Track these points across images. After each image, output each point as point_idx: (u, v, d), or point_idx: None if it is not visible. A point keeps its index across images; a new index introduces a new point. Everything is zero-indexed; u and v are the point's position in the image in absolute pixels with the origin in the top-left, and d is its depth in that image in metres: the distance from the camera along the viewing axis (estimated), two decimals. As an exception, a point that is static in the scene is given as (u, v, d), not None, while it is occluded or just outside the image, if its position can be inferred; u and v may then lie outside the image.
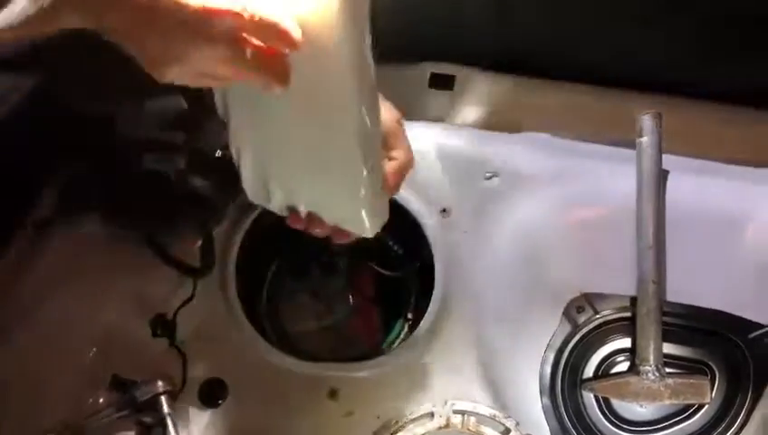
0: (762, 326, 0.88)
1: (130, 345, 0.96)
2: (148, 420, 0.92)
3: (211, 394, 0.98)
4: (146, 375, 0.93)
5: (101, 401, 0.94)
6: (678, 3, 0.94)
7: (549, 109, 1.01)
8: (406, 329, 1.04)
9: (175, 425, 0.92)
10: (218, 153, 0.81)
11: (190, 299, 0.96)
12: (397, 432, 0.93)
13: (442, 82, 1.03)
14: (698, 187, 0.92)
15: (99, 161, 0.77)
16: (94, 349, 0.94)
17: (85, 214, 0.92)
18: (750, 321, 0.88)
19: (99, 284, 0.95)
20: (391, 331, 1.05)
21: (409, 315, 1.04)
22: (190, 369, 0.97)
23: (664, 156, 0.90)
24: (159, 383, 0.92)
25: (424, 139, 0.96)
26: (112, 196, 0.88)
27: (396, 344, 1.01)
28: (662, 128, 0.88)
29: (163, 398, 0.92)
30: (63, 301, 0.93)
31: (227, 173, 0.82)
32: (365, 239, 1.06)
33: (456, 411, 0.93)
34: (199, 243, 0.93)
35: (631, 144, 0.92)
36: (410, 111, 0.98)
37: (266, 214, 0.97)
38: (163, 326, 0.97)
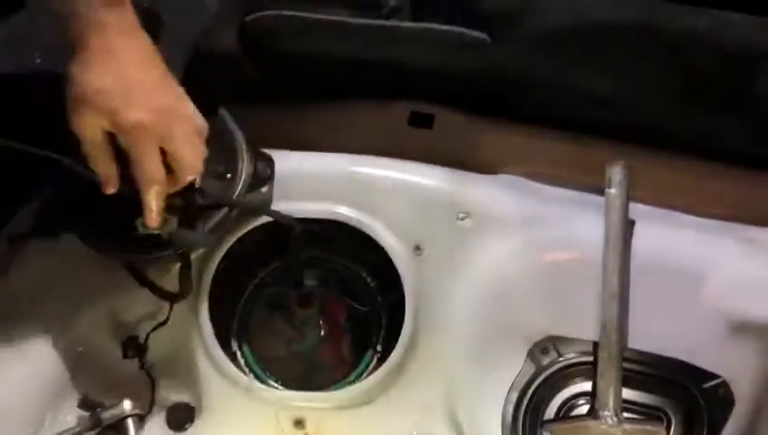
0: (717, 377, 0.91)
1: (101, 366, 0.97)
2: (114, 440, 0.93)
3: (178, 419, 0.98)
4: (114, 396, 0.93)
5: (71, 416, 0.94)
6: (653, 54, 0.97)
7: (524, 152, 1.03)
8: (375, 361, 1.05)
9: (141, 448, 0.93)
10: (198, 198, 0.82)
11: (164, 322, 0.97)
12: (361, 468, 0.94)
13: (421, 121, 1.05)
14: (663, 237, 0.94)
15: (78, 182, 0.78)
16: (64, 368, 0.95)
17: (61, 234, 0.93)
18: (706, 371, 0.91)
19: (72, 302, 0.95)
20: (360, 362, 1.06)
21: (378, 347, 1.06)
22: (159, 392, 0.98)
23: (632, 204, 0.93)
24: (127, 406, 0.93)
25: (401, 176, 0.98)
26: (89, 218, 0.88)
27: (364, 376, 1.02)
28: (630, 179, 0.91)
29: (130, 421, 0.92)
30: (35, 318, 0.93)
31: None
32: (340, 272, 1.10)
33: (419, 447, 0.95)
34: (177, 266, 0.94)
35: (600, 190, 0.95)
36: (389, 148, 1.01)
37: (243, 241, 1.00)
38: (134, 348, 0.98)
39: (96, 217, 0.86)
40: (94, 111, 0.67)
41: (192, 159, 0.75)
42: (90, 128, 0.68)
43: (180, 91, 0.74)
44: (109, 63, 0.67)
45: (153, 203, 0.74)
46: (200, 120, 0.75)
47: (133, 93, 0.68)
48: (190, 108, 0.74)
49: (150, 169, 0.72)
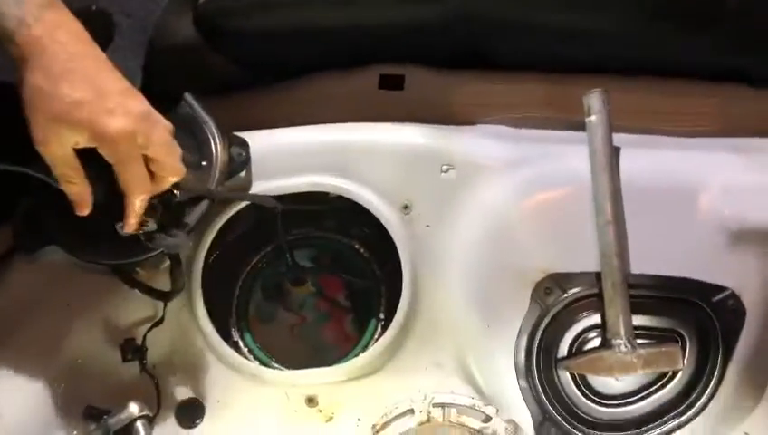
0: (724, 289, 0.90)
1: (101, 373, 0.96)
2: (126, 445, 0.91)
3: (188, 415, 0.97)
4: (119, 402, 0.91)
5: (78, 431, 0.92)
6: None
7: (501, 100, 1.02)
8: (379, 330, 1.03)
9: (154, 449, 0.91)
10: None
11: (160, 322, 0.95)
12: (379, 432, 0.92)
13: (392, 83, 1.03)
14: (650, 160, 0.93)
15: (54, 192, 0.76)
16: (63, 382, 0.93)
17: (44, 247, 0.91)
18: (713, 284, 0.90)
19: (64, 313, 0.94)
20: (365, 333, 1.04)
21: (381, 316, 1.04)
22: (164, 391, 0.96)
23: (615, 135, 0.92)
24: (134, 409, 0.91)
25: (378, 137, 0.96)
26: (70, 228, 0.86)
27: (370, 345, 1.01)
28: (609, 104, 0.89)
29: (139, 423, 0.91)
30: (29, 332, 0.92)
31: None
32: (333, 247, 1.08)
33: (435, 405, 0.93)
34: (166, 264, 0.92)
35: (583, 126, 0.93)
36: (362, 115, 0.99)
37: (229, 229, 0.98)
38: (133, 351, 0.96)
39: (76, 225, 0.84)
40: (71, 125, 0.64)
41: (174, 161, 0.74)
42: (63, 145, 0.65)
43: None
44: (79, 73, 0.65)
45: (138, 209, 0.73)
46: (168, 122, 0.74)
47: (110, 101, 0.66)
48: (157, 112, 0.73)
49: (137, 177, 0.70)
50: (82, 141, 0.66)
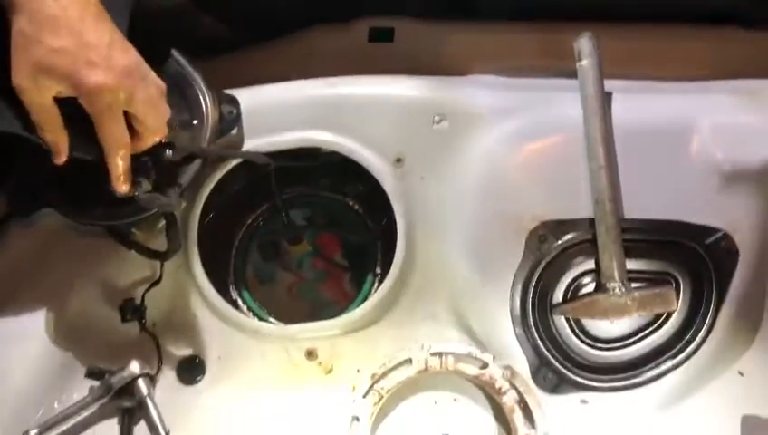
0: (717, 230, 0.90)
1: (102, 333, 0.96)
2: (128, 404, 0.92)
3: (189, 372, 0.98)
4: (121, 361, 0.93)
5: (79, 393, 0.93)
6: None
7: (490, 50, 1.01)
8: (376, 284, 1.04)
9: (156, 406, 0.92)
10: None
11: (158, 281, 0.96)
12: (378, 382, 0.93)
13: (381, 36, 1.02)
14: (642, 104, 0.93)
15: (47, 158, 0.76)
16: (65, 343, 0.93)
17: (39, 210, 0.91)
18: (705, 226, 0.90)
19: (62, 276, 0.94)
20: (362, 287, 1.05)
21: (378, 270, 1.05)
22: (165, 350, 0.97)
23: (607, 82, 0.91)
24: (136, 367, 0.92)
25: (369, 90, 0.96)
26: (64, 191, 0.86)
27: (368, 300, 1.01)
28: (599, 48, 0.89)
29: (141, 381, 0.92)
30: (29, 297, 0.92)
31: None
32: (327, 205, 1.08)
33: (433, 354, 0.94)
34: (162, 224, 0.92)
35: (574, 73, 0.93)
36: (353, 69, 0.98)
37: (223, 188, 0.98)
38: (132, 311, 0.97)
39: (71, 187, 0.84)
40: (51, 73, 0.64)
41: (157, 121, 0.73)
42: (41, 93, 0.65)
43: (136, 51, 0.71)
44: (64, 21, 0.63)
45: (120, 167, 0.73)
46: (160, 81, 0.73)
47: (93, 53, 0.65)
48: (150, 69, 0.72)
49: (115, 133, 0.70)
50: (63, 91, 0.65)
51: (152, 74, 0.72)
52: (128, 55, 0.69)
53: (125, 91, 0.68)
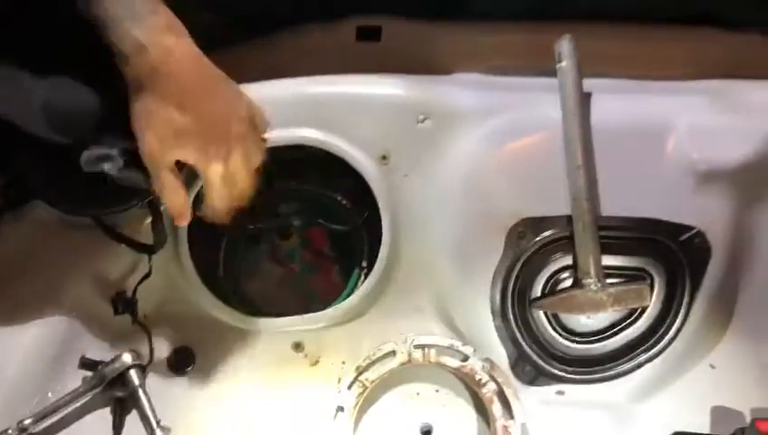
0: (691, 228, 0.92)
1: (94, 326, 0.98)
2: (121, 394, 0.95)
3: (179, 363, 1.00)
4: (113, 352, 0.95)
5: (72, 384, 0.96)
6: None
7: (475, 49, 1.03)
8: (362, 277, 1.07)
9: (147, 396, 0.95)
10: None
11: (148, 275, 0.98)
12: (362, 373, 0.96)
13: (369, 35, 1.04)
14: (620, 104, 0.95)
15: (37, 150, 0.78)
16: (58, 335, 0.96)
17: (28, 203, 0.93)
18: (680, 224, 0.92)
19: (54, 269, 0.95)
20: (349, 281, 1.08)
21: (364, 264, 1.08)
22: (156, 341, 1.00)
23: (587, 81, 0.93)
24: (127, 358, 0.95)
25: (355, 89, 0.98)
26: (53, 182, 0.88)
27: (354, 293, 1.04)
28: (578, 50, 0.91)
29: (133, 371, 0.95)
30: (21, 289, 0.94)
31: None
32: (315, 200, 1.10)
33: (416, 346, 0.97)
34: (149, 219, 0.94)
35: (554, 72, 0.95)
36: (340, 67, 1.00)
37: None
38: (124, 304, 0.99)
39: (59, 179, 0.86)
40: (179, 148, 0.67)
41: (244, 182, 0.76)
42: (166, 161, 0.69)
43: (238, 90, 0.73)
44: (189, 99, 0.66)
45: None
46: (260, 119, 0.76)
47: (215, 132, 0.69)
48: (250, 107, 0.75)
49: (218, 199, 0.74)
50: (187, 160, 0.69)
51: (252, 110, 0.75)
52: (239, 120, 0.72)
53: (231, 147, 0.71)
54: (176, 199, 0.72)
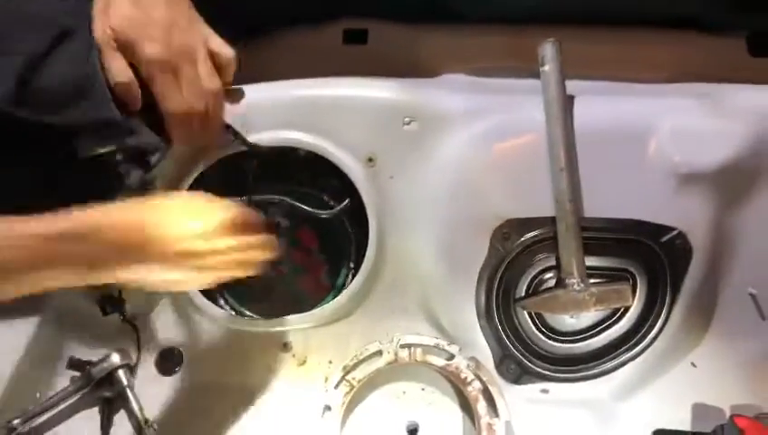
0: (672, 229, 0.94)
1: (82, 327, 0.99)
2: (109, 394, 0.96)
3: (167, 363, 1.01)
4: (101, 353, 0.96)
5: (60, 384, 0.97)
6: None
7: (460, 52, 1.04)
8: (350, 278, 1.08)
9: (135, 396, 0.96)
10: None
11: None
12: (349, 373, 0.97)
13: (356, 37, 1.05)
14: (603, 107, 0.96)
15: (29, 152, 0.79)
16: (47, 336, 0.96)
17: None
18: (662, 225, 0.94)
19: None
20: (336, 281, 1.09)
21: (351, 265, 1.08)
22: (144, 341, 1.00)
23: (568, 82, 0.94)
24: (115, 358, 0.96)
25: (342, 93, 0.99)
26: (40, 185, 0.88)
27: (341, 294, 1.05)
28: (562, 54, 0.92)
29: (120, 372, 0.96)
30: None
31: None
32: (303, 201, 1.10)
33: (402, 346, 0.98)
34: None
35: (539, 75, 0.96)
36: (327, 70, 1.01)
37: (200, 181, 1.01)
38: (112, 304, 0.99)
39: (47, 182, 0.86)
40: (118, 37, 0.73)
41: (193, 95, 0.81)
42: (117, 59, 0.75)
43: (203, 29, 0.82)
44: None
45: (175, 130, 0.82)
46: (228, 53, 0.84)
47: (155, 29, 0.75)
48: (213, 42, 0.82)
49: (166, 99, 0.78)
50: (131, 59, 0.75)
51: (208, 59, 0.82)
52: (185, 37, 0.78)
53: (174, 66, 0.77)
54: (125, 90, 0.77)
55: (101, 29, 0.74)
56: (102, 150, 0.82)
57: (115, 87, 0.76)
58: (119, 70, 0.75)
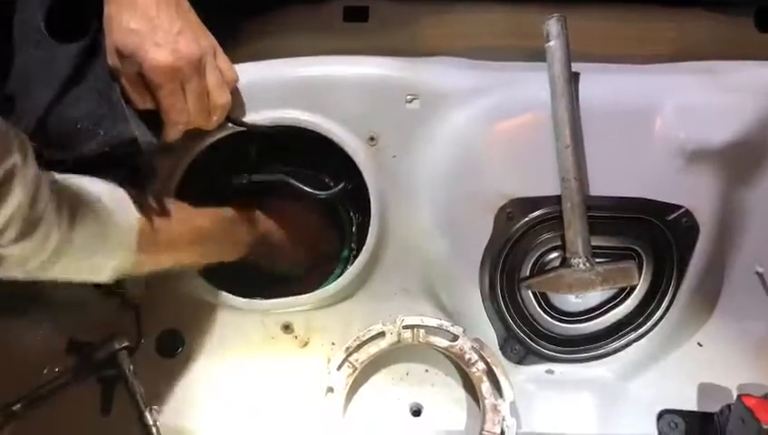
0: (679, 207, 0.93)
1: (82, 308, 0.98)
2: (109, 376, 0.95)
3: (168, 345, 1.00)
4: (102, 335, 0.95)
5: (60, 366, 0.96)
6: None
7: (462, 30, 1.03)
8: (351, 259, 1.07)
9: (136, 378, 0.95)
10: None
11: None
12: (352, 354, 0.96)
13: (356, 15, 1.03)
14: (607, 85, 0.95)
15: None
16: (47, 316, 0.96)
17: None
18: (667, 203, 0.93)
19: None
20: (338, 262, 1.08)
21: (353, 245, 1.07)
22: (145, 323, 0.99)
23: (575, 63, 0.93)
24: (116, 341, 0.95)
25: (343, 71, 0.97)
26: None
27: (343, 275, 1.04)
28: (567, 30, 0.90)
29: (121, 354, 0.94)
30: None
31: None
32: (305, 179, 1.09)
33: (405, 327, 0.97)
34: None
35: (543, 54, 0.95)
36: (327, 48, 1.00)
37: (200, 161, 0.99)
38: (111, 286, 0.98)
39: None
40: (124, 49, 0.74)
41: (200, 110, 0.82)
42: (125, 69, 0.76)
43: (212, 41, 0.82)
44: (141, 6, 0.74)
45: (172, 135, 0.83)
46: (230, 74, 0.85)
47: (161, 36, 0.74)
48: (218, 64, 0.83)
49: (170, 108, 0.79)
50: (137, 68, 0.75)
51: (217, 70, 0.82)
52: (193, 45, 0.78)
53: (182, 74, 0.77)
54: (143, 105, 0.79)
55: (108, 43, 0.75)
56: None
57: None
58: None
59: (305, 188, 1.02)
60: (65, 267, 0.68)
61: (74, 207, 0.66)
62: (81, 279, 0.73)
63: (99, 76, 0.77)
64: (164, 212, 0.81)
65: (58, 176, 0.67)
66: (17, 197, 0.56)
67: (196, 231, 0.86)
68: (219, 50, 0.85)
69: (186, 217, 0.85)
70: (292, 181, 1.02)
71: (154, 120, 0.82)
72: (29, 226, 0.60)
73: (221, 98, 0.84)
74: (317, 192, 1.02)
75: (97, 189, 0.72)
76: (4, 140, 0.55)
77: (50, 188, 0.62)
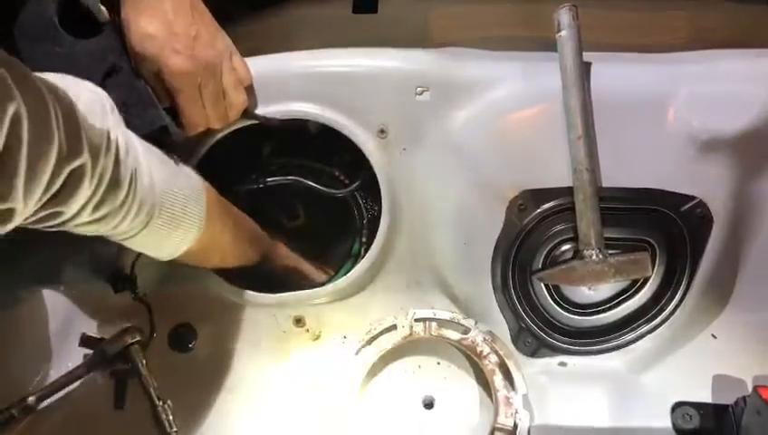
0: (692, 198, 0.92)
1: (94, 304, 0.98)
2: (122, 371, 0.95)
3: (181, 339, 1.01)
4: (114, 330, 0.95)
5: (73, 362, 0.96)
6: None
7: (472, 20, 1.02)
8: (363, 252, 1.06)
9: (149, 372, 0.95)
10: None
11: (142, 253, 0.97)
12: (364, 348, 0.96)
13: (366, 6, 1.03)
14: (620, 75, 0.93)
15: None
16: (60, 311, 0.96)
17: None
18: (681, 194, 0.92)
19: (53, 251, 0.95)
20: (349, 257, 1.07)
21: (364, 238, 1.07)
22: (157, 318, 1.00)
23: (586, 52, 0.92)
24: (128, 335, 0.94)
25: (352, 63, 0.96)
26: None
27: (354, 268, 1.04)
28: (579, 20, 0.89)
29: (133, 348, 0.94)
30: (21, 272, 0.93)
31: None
32: (316, 173, 1.09)
33: (417, 320, 0.97)
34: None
35: (554, 44, 0.94)
36: (338, 40, 0.99)
37: (212, 157, 0.99)
38: (123, 280, 0.98)
39: None
40: (144, 54, 0.75)
41: (217, 113, 0.84)
42: (146, 71, 0.78)
43: (227, 42, 0.84)
44: (159, 10, 0.75)
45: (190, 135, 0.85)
46: (244, 73, 0.87)
47: (179, 43, 0.76)
48: (236, 59, 0.85)
49: (190, 112, 0.81)
50: (156, 69, 0.77)
51: (233, 70, 0.84)
52: (210, 51, 0.80)
53: (199, 79, 0.79)
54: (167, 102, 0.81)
55: (128, 45, 0.76)
56: None
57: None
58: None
59: (322, 187, 1.03)
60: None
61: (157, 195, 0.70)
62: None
63: (123, 69, 0.78)
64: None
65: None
66: (84, 194, 0.59)
67: (252, 231, 0.94)
68: (234, 50, 0.86)
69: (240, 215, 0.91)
70: (309, 182, 1.03)
71: (174, 115, 0.83)
72: (104, 211, 0.64)
73: (237, 98, 0.86)
74: (334, 191, 1.03)
75: (181, 184, 0.75)
76: (75, 143, 0.57)
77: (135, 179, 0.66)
